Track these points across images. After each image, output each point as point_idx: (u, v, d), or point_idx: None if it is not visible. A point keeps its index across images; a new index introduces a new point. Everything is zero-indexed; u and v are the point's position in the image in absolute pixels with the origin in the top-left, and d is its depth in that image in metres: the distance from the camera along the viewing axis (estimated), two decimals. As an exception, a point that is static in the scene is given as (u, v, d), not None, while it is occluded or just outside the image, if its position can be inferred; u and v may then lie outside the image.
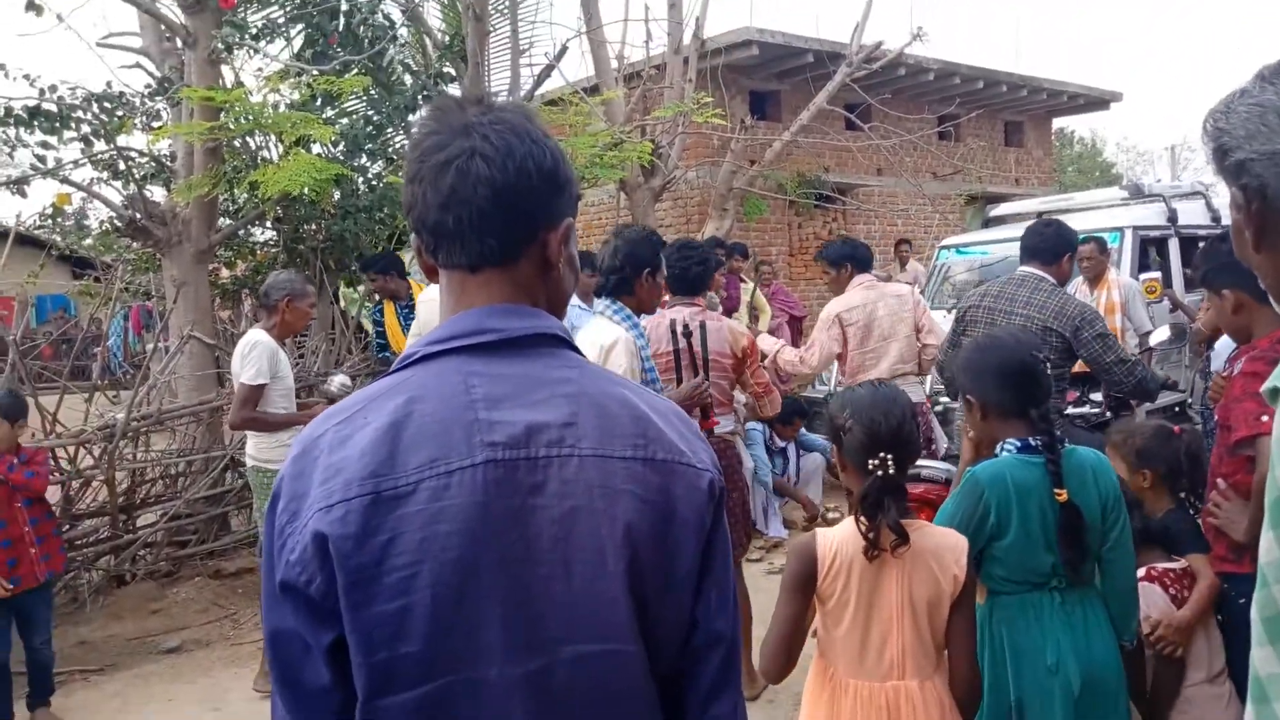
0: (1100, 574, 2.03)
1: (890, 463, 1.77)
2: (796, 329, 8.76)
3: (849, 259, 4.60)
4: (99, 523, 5.18)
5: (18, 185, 6.41)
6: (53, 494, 5.07)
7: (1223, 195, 6.72)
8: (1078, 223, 7.32)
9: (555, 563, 0.91)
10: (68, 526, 5.06)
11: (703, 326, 3.50)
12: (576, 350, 1.02)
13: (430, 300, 3.95)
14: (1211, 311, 2.31)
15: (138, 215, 6.22)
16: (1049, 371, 2.07)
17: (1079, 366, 3.59)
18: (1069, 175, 26.53)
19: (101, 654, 4.36)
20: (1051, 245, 3.63)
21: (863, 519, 1.77)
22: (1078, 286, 5.87)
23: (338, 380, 4.36)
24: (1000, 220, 9.56)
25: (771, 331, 8.30)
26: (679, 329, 3.46)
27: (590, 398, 0.96)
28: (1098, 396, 4.14)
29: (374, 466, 0.89)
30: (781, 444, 6.15)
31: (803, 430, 6.23)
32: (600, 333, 3.08)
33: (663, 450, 0.96)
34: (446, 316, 0.99)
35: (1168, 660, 2.25)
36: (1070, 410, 3.81)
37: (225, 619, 4.77)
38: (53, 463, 5.14)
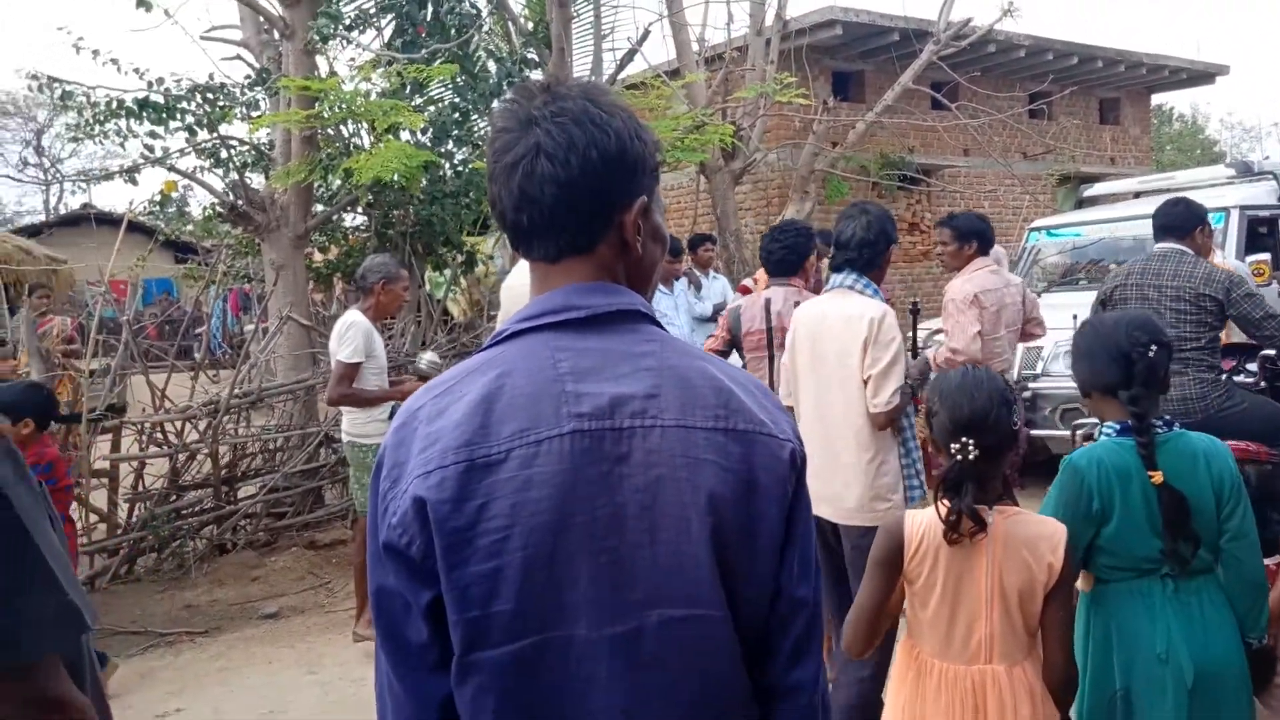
0: (1221, 565, 1.95)
1: (971, 448, 1.75)
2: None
3: (977, 236, 4.27)
4: (203, 494, 5.46)
5: (129, 174, 6.78)
6: (161, 465, 5.39)
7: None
8: (1179, 203, 7.05)
9: (641, 529, 0.95)
10: (175, 497, 5.36)
11: (796, 306, 3.48)
12: (659, 325, 1.05)
13: (509, 288, 4.03)
14: None
15: (238, 201, 6.48)
16: (1164, 355, 1.99)
17: (1239, 337, 3.75)
18: (1166, 154, 25.32)
19: (206, 617, 4.61)
20: (1182, 220, 3.84)
21: (943, 502, 1.76)
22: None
23: (427, 358, 4.51)
24: (1094, 201, 9.23)
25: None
26: (773, 308, 3.56)
27: (672, 370, 0.99)
28: (1253, 366, 4.17)
29: (468, 436, 0.94)
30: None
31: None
32: (866, 305, 2.92)
33: (744, 421, 0.99)
34: (534, 297, 1.04)
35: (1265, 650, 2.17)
36: (1236, 378, 3.98)
37: (320, 587, 4.98)
38: (161, 436, 5.45)
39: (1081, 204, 8.96)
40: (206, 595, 4.87)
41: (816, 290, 6.48)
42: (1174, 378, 3.67)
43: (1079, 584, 2.03)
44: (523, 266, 4.14)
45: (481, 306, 10.27)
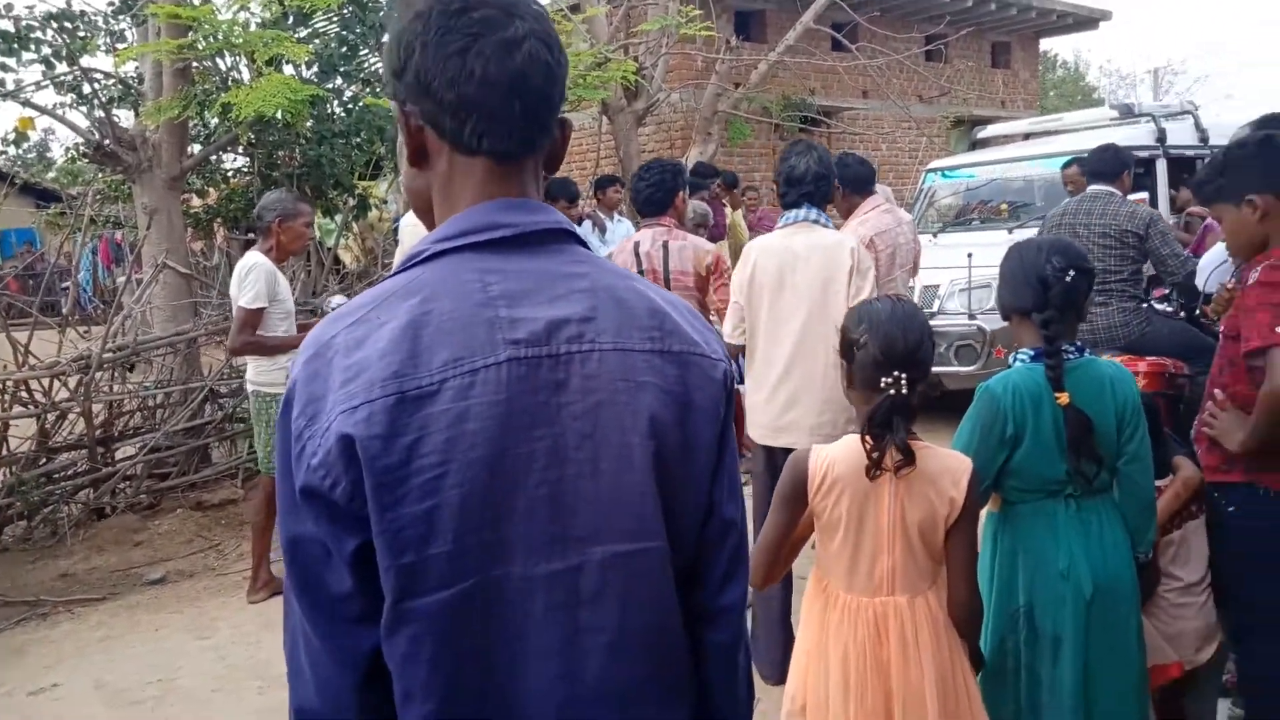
0: (1118, 486, 2.02)
1: (903, 382, 1.73)
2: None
3: (849, 183, 4.10)
4: (77, 455, 5.10)
5: (-26, 109, 6.16)
6: (28, 427, 5.00)
7: (1212, 115, 6.70)
8: (1066, 144, 7.24)
9: (583, 460, 0.90)
10: (45, 460, 5.00)
11: (665, 247, 3.57)
12: (585, 245, 1.00)
13: (413, 225, 3.84)
14: (1229, 223, 2.23)
15: (105, 140, 6.00)
16: (1082, 280, 2.02)
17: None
18: (1050, 100, 26.19)
19: (84, 586, 4.34)
20: (1112, 165, 4.35)
21: (868, 438, 1.74)
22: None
23: (335, 301, 4.30)
24: (986, 143, 9.44)
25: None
26: (641, 250, 3.57)
27: (607, 291, 0.95)
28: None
29: (396, 366, 0.86)
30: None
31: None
32: (840, 236, 3.09)
33: (679, 342, 0.96)
34: (455, 208, 0.96)
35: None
36: (1156, 305, 4.45)
37: (209, 550, 4.74)
38: (26, 395, 5.06)
39: (975, 146, 9.16)
40: (84, 563, 4.57)
41: (714, 235, 6.26)
42: (1099, 308, 4.04)
43: (988, 505, 2.07)
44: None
45: (375, 254, 9.88)
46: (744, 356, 3.27)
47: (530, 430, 0.88)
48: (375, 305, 0.91)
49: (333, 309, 4.25)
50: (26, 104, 6.32)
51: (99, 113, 6.23)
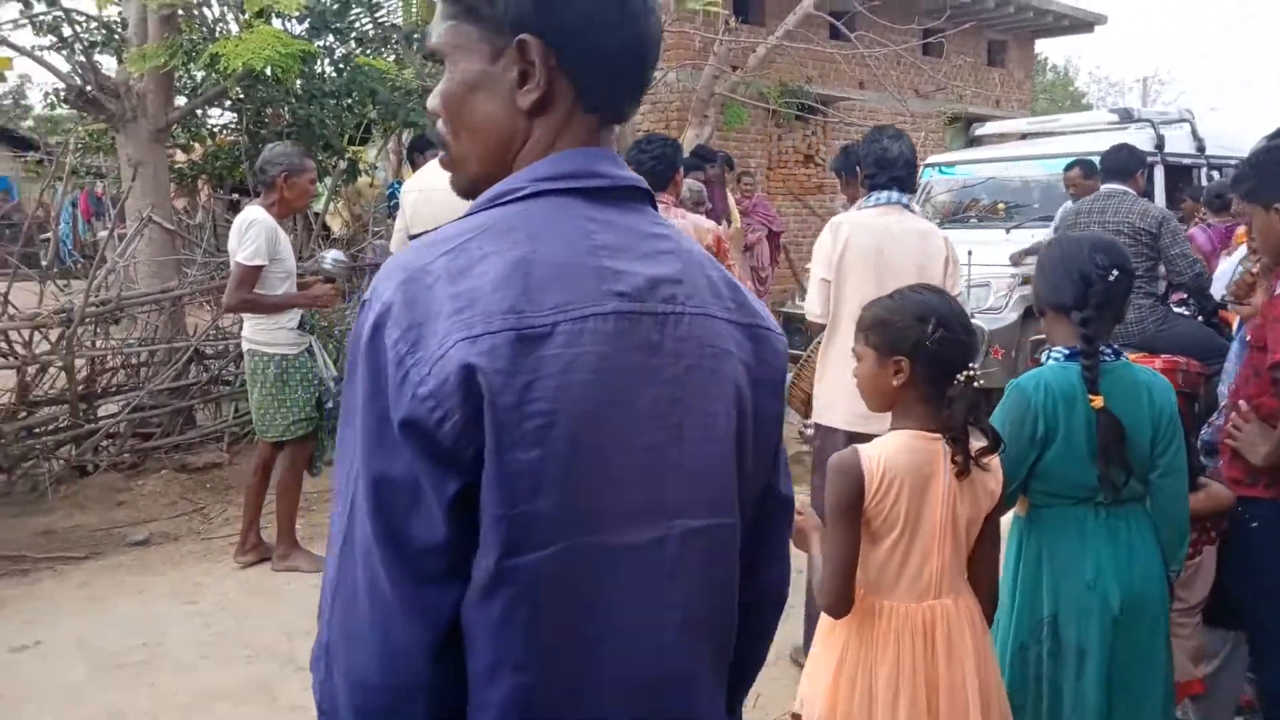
0: (1150, 499, 1.97)
1: (979, 376, 1.70)
2: (775, 244, 8.65)
3: (849, 170, 4.33)
4: (58, 411, 4.97)
5: (-50, 49, 5.93)
6: (8, 379, 4.86)
7: (1206, 124, 6.82)
8: (1064, 146, 7.26)
9: (671, 427, 0.86)
10: (24, 414, 4.86)
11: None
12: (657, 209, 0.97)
13: (418, 190, 3.73)
14: (1259, 225, 2.22)
15: (87, 86, 5.79)
16: (1124, 282, 1.98)
17: None
18: (1040, 103, 26.34)
19: (66, 543, 4.23)
20: (1126, 164, 4.49)
21: (951, 438, 1.69)
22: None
23: (331, 256, 4.19)
24: (982, 140, 9.46)
25: (750, 246, 8.18)
26: None
27: (689, 256, 0.92)
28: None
29: (511, 301, 0.80)
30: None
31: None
32: (930, 225, 3.17)
33: (751, 315, 0.95)
34: (541, 155, 0.90)
35: None
36: (1175, 308, 4.52)
37: (194, 514, 4.64)
38: (6, 346, 4.91)
39: (972, 143, 9.16)
40: (66, 520, 4.46)
41: (713, 218, 6.18)
42: None
43: (1015, 508, 2.04)
44: (427, 171, 3.85)
45: (364, 222, 9.68)
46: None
47: (629, 390, 0.84)
48: (470, 236, 0.84)
49: (329, 264, 4.16)
50: (2, 43, 6.10)
51: (80, 57, 6.02)
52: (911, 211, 3.05)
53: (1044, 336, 2.18)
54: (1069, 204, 4.95)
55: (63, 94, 6.12)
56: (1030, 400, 1.91)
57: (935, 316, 1.71)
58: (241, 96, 6.95)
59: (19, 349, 4.88)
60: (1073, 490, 1.93)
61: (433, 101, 0.94)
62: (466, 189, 0.95)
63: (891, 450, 1.72)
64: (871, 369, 1.77)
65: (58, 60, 6.23)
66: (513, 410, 0.78)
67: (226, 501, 4.74)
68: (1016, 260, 5.85)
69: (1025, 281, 5.50)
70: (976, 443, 1.77)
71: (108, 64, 6.63)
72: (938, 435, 1.71)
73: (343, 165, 8.06)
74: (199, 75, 7.36)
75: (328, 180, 8.48)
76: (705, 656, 0.91)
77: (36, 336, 4.93)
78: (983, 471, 1.74)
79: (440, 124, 0.94)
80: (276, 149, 3.94)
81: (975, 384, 1.69)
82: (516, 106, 0.89)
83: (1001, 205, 7.28)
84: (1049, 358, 2.00)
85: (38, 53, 6.20)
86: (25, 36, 6.21)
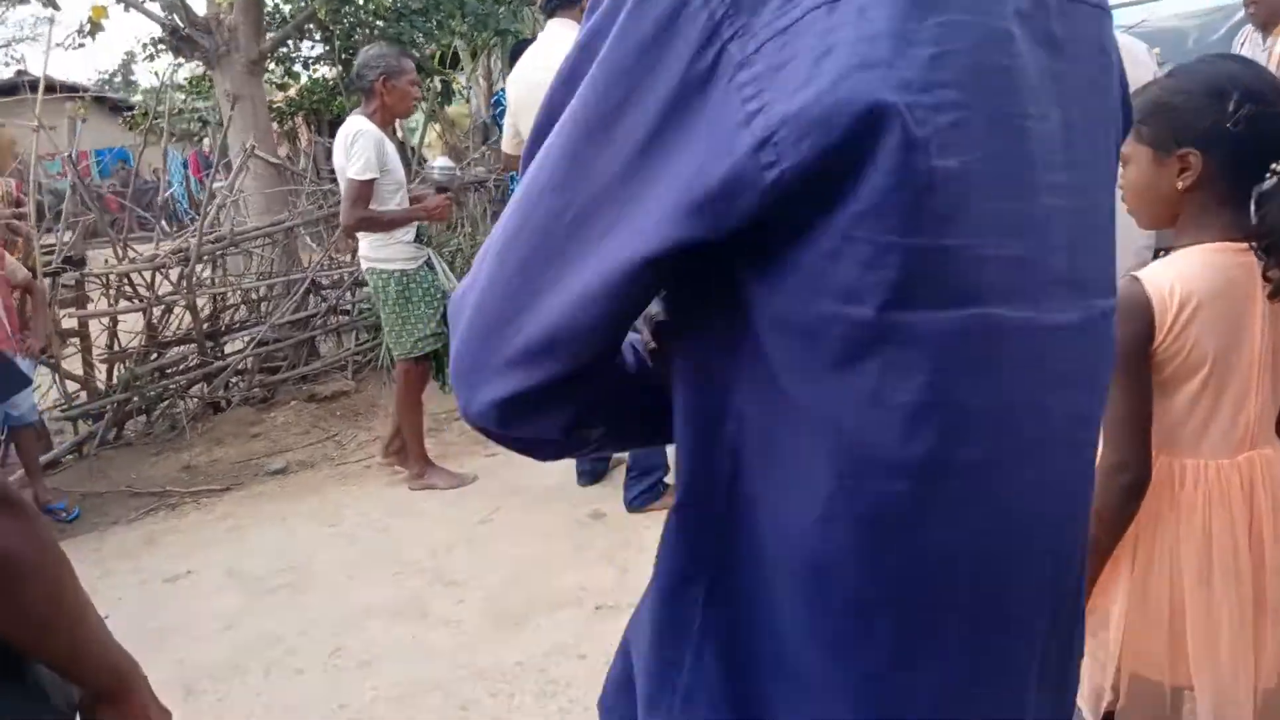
0: None
1: None
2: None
3: None
4: (187, 350, 4.98)
5: (50, 2, 5.92)
6: (136, 321, 4.88)
7: None
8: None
9: (1074, 165, 0.59)
10: (156, 355, 4.89)
11: None
12: None
13: (520, 81, 3.38)
14: None
15: (180, 24, 5.72)
16: None
17: None
18: None
19: (207, 477, 4.23)
20: None
21: (1266, 246, 1.24)
22: (1247, 35, 5.04)
23: (440, 164, 3.94)
24: None
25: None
26: None
27: None
28: None
29: None
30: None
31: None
32: None
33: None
34: None
35: None
36: None
37: (327, 440, 4.58)
38: (130, 289, 4.92)
39: None
40: (205, 455, 4.46)
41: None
42: None
43: None
44: (523, 62, 3.52)
45: (460, 153, 9.48)
46: None
47: (1038, 107, 0.56)
48: None
49: (439, 173, 3.89)
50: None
51: (173, -1, 5.93)
52: None
53: None
54: (1247, 28, 4.11)
55: (158, 37, 6.07)
56: None
57: (1238, 90, 1.23)
58: (329, 22, 6.76)
59: (143, 291, 4.87)
60: None
61: None
62: None
63: (1189, 272, 1.28)
64: (1145, 172, 1.30)
65: (152, 8, 6.16)
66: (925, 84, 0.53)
67: (358, 427, 4.66)
68: None
69: None
70: None
71: (197, 5, 6.55)
72: (1246, 246, 1.28)
73: (437, 86, 7.85)
74: (286, 9, 7.22)
75: (423, 106, 8.29)
76: (1090, 486, 0.68)
77: (159, 279, 4.92)
78: None
79: None
80: (372, 51, 3.64)
81: None
82: None
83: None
84: None
85: None
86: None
